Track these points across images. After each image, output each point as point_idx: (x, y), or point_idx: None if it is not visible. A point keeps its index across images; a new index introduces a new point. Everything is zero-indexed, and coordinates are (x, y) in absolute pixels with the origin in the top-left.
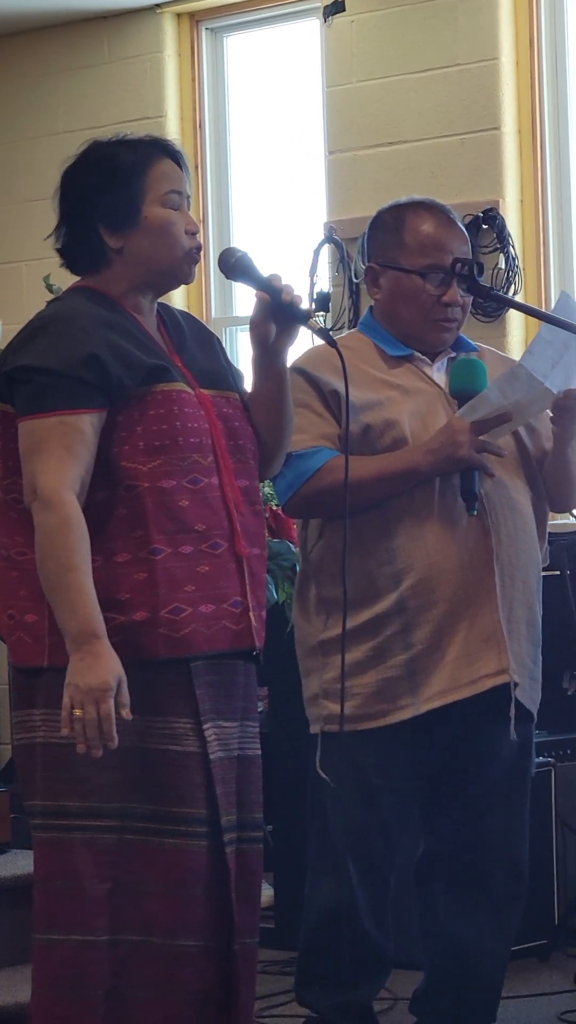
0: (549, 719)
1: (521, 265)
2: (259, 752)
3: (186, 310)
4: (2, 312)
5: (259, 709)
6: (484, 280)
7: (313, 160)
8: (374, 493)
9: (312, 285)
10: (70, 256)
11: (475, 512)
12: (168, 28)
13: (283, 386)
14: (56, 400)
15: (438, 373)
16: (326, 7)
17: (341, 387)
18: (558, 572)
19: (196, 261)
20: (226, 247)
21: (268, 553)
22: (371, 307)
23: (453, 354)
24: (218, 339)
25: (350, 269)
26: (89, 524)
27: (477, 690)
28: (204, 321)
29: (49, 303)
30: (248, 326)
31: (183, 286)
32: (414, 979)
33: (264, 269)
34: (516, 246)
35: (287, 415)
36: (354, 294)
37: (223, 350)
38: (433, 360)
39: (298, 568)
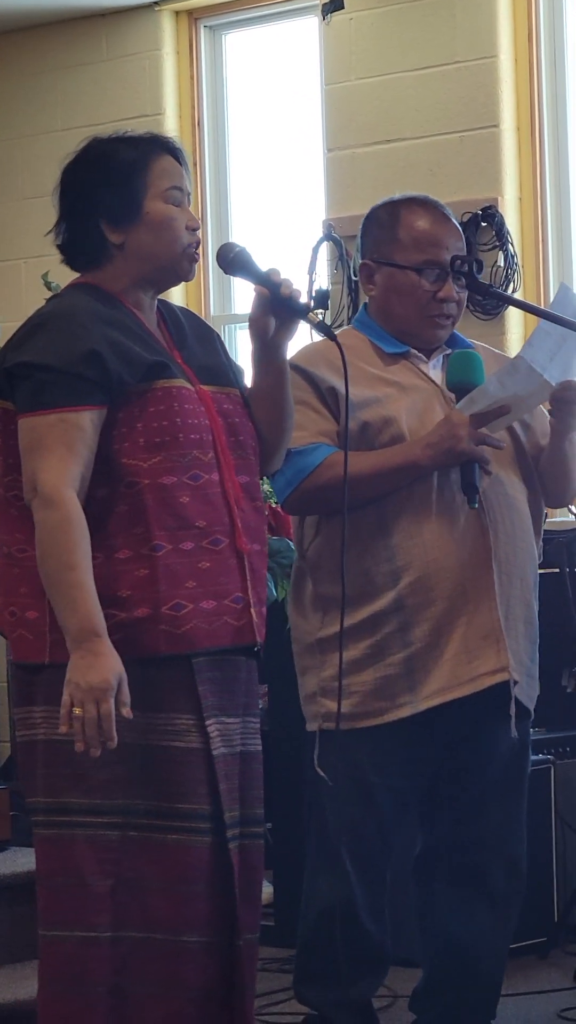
0: (548, 717)
1: (520, 262)
2: (260, 748)
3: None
4: (1, 309)
5: (259, 706)
6: (483, 277)
7: (312, 158)
8: (374, 488)
9: (311, 283)
10: (70, 252)
11: (476, 505)
12: (166, 26)
13: (283, 381)
14: (56, 397)
15: (434, 370)
16: (324, 4)
17: (338, 384)
18: (557, 570)
19: (196, 259)
20: (223, 243)
21: (268, 550)
22: (365, 304)
23: (448, 350)
24: (218, 335)
25: (349, 267)
26: (90, 521)
27: (476, 688)
28: (203, 318)
29: (49, 299)
30: (247, 323)
31: (182, 283)
32: (413, 976)
33: (262, 264)
34: (515, 243)
35: (287, 410)
36: (353, 292)
37: (223, 346)
38: (429, 357)
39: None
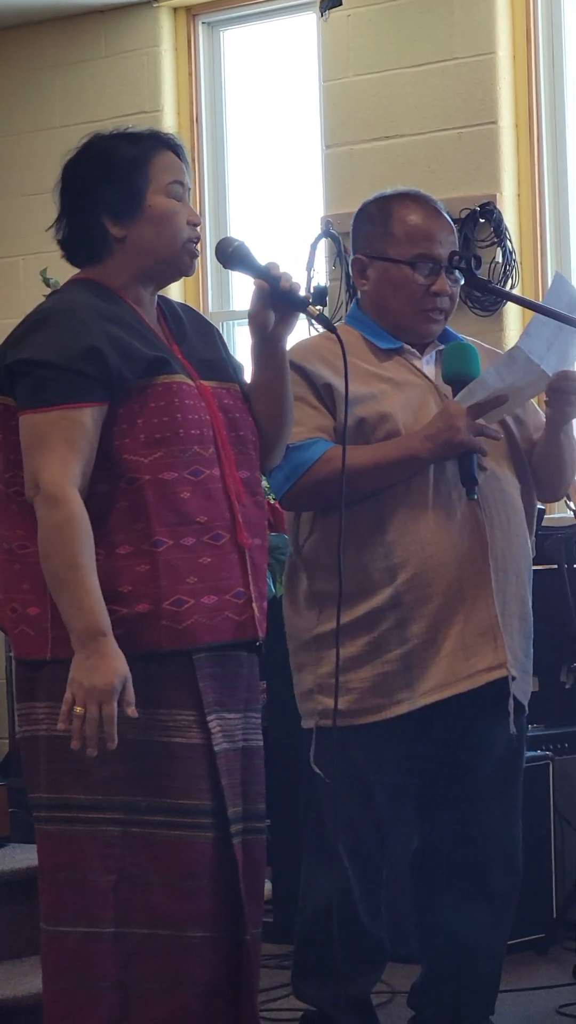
0: (547, 713)
1: (518, 259)
2: (261, 743)
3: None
4: None
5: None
6: (481, 274)
7: (310, 154)
8: (372, 482)
9: (309, 279)
10: (71, 247)
11: (476, 496)
12: (165, 22)
13: (283, 375)
14: (57, 394)
15: (427, 366)
16: (322, 1)
17: (333, 380)
18: (555, 566)
19: (196, 254)
20: (222, 237)
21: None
22: (356, 300)
23: (441, 346)
24: (217, 331)
25: (347, 263)
26: (91, 517)
27: (474, 684)
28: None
29: (49, 296)
30: (246, 318)
31: (180, 279)
32: (412, 972)
33: (261, 259)
34: (513, 240)
35: (287, 405)
36: (351, 288)
37: (223, 341)
38: (422, 352)
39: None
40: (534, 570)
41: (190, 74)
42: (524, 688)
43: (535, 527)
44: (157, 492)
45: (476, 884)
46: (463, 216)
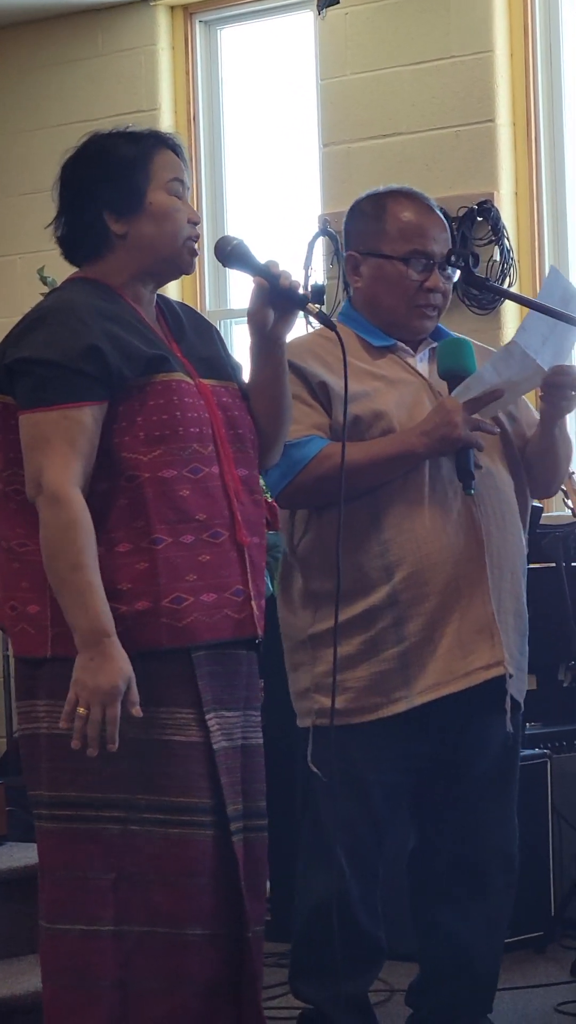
0: (545, 711)
1: (516, 257)
2: (261, 741)
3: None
4: None
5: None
6: (479, 272)
7: (307, 153)
8: (369, 478)
9: (307, 278)
10: (70, 245)
11: (473, 491)
12: (162, 21)
13: (281, 374)
14: (58, 393)
15: (421, 363)
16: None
17: (328, 377)
18: (553, 564)
19: (196, 253)
20: (221, 236)
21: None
22: (349, 297)
23: (434, 344)
24: (216, 329)
25: (344, 261)
26: (91, 515)
27: (472, 682)
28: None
29: (48, 294)
30: (245, 316)
31: (179, 278)
32: (410, 971)
33: (260, 257)
34: (511, 238)
35: (285, 403)
36: (348, 286)
37: (221, 340)
38: (415, 350)
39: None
40: (532, 568)
41: (187, 72)
42: (520, 686)
43: (528, 524)
44: (156, 490)
45: (473, 882)
46: (461, 214)
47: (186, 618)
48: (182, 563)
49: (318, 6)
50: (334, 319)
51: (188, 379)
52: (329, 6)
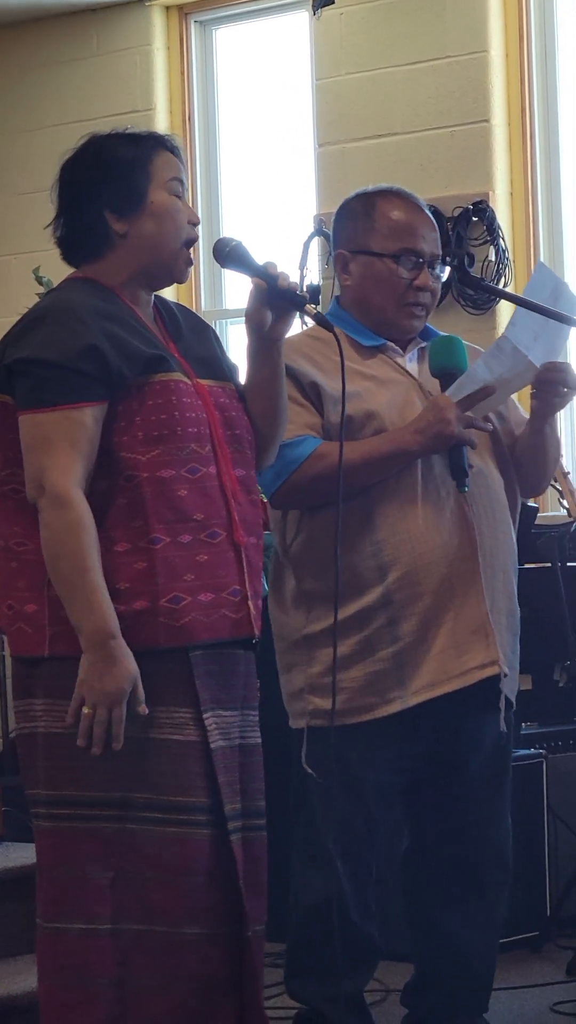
0: (540, 711)
1: (511, 257)
2: (259, 740)
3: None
4: None
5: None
6: (474, 272)
7: (302, 153)
8: (363, 477)
9: (302, 278)
10: (69, 245)
11: (467, 489)
12: (157, 21)
13: (278, 374)
14: (58, 394)
15: (411, 363)
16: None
17: (318, 377)
18: (548, 564)
19: (191, 263)
20: (219, 237)
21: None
22: (337, 297)
23: (423, 343)
24: (213, 330)
25: None
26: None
27: (466, 682)
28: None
29: (46, 294)
30: (243, 317)
31: (170, 286)
32: (406, 971)
33: (258, 258)
34: (506, 238)
35: (282, 404)
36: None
37: (218, 340)
38: (404, 350)
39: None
40: (527, 569)
41: (182, 73)
42: (513, 685)
43: (518, 522)
44: (155, 489)
45: (467, 881)
46: (456, 214)
47: (184, 618)
48: (180, 563)
49: (313, 6)
50: None
51: (186, 379)
52: (324, 6)
